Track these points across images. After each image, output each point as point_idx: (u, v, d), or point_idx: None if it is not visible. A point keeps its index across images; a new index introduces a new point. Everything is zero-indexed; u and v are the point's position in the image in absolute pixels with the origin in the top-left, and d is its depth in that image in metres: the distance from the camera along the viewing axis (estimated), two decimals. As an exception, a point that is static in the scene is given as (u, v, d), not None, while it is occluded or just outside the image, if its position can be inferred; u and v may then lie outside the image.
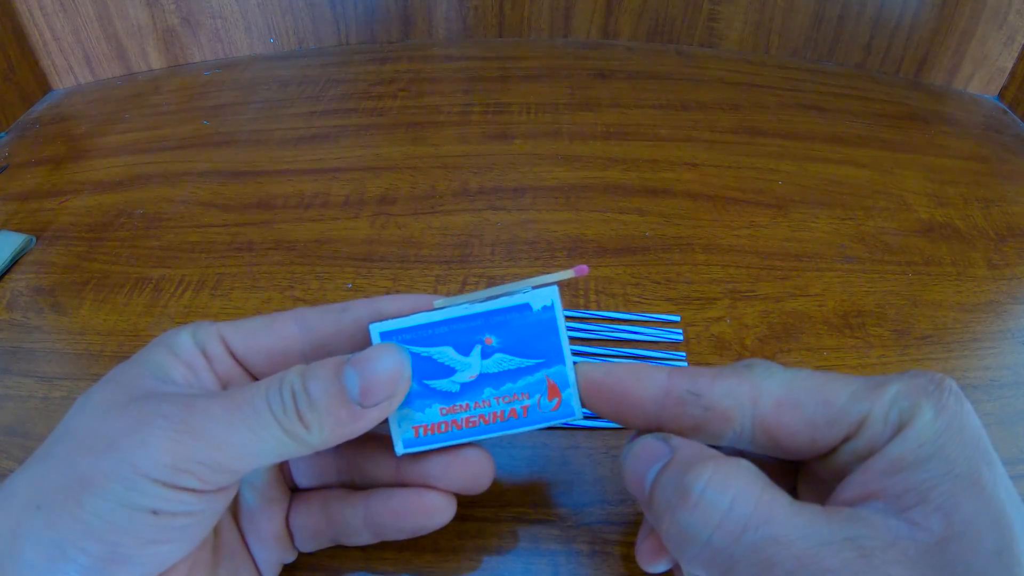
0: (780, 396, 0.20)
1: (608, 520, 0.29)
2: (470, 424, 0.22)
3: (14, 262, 0.43)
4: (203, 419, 0.19)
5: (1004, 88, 0.62)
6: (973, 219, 0.46)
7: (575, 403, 0.23)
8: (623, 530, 0.28)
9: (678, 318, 0.38)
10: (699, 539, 0.18)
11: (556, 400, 0.23)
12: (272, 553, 0.24)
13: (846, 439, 0.19)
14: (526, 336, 0.22)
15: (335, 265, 0.42)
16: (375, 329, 0.22)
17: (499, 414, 0.22)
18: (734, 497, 0.17)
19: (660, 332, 0.37)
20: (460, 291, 0.40)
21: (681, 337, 0.37)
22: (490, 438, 0.23)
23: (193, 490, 0.19)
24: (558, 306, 0.22)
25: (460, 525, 0.28)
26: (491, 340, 0.22)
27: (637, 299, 0.39)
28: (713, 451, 0.19)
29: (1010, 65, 0.61)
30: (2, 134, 0.58)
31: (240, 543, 0.24)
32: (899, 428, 0.18)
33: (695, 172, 0.50)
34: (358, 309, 0.23)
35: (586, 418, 0.30)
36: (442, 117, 0.57)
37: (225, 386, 0.23)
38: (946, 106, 0.61)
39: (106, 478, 0.18)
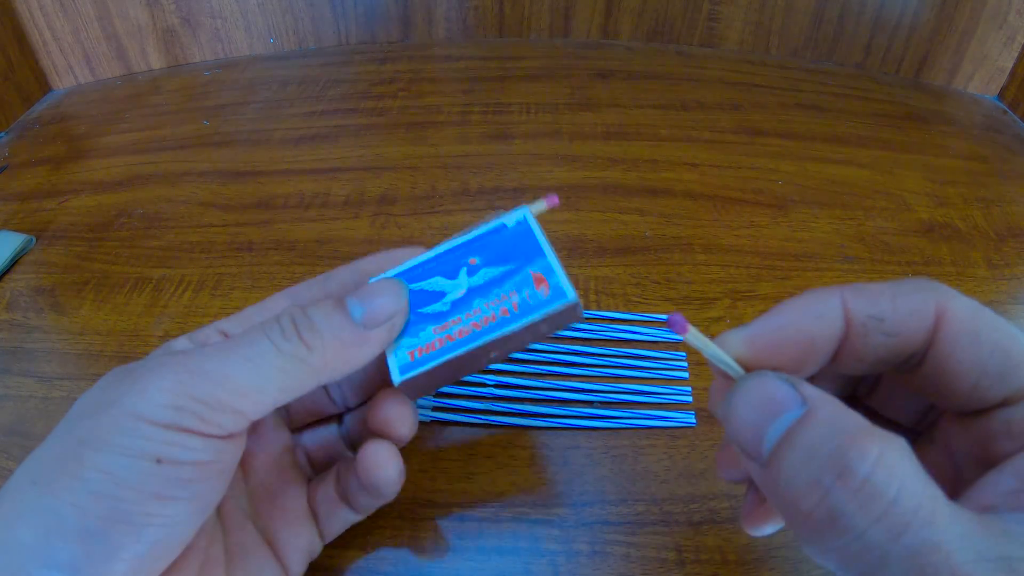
0: (963, 324, 0.16)
1: (608, 520, 0.29)
2: (463, 334, 0.22)
3: (14, 262, 0.43)
4: (201, 359, 0.19)
5: (1004, 88, 0.62)
6: (973, 219, 0.46)
7: (565, 285, 0.22)
8: (623, 530, 0.28)
9: (678, 318, 0.38)
10: (853, 530, 0.14)
11: (544, 287, 0.22)
12: (300, 539, 0.24)
13: (1004, 402, 0.16)
14: (507, 248, 0.23)
15: (335, 265, 0.42)
16: (372, 280, 0.23)
17: (491, 316, 0.22)
18: (901, 486, 0.14)
19: (660, 332, 0.37)
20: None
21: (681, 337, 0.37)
22: (489, 341, 0.22)
23: (196, 432, 0.18)
24: (531, 217, 0.23)
25: (460, 525, 0.28)
26: (475, 260, 0.23)
27: (637, 299, 0.39)
28: (861, 417, 0.15)
29: (1010, 65, 0.61)
30: (2, 134, 0.58)
31: (259, 540, 0.23)
32: None
33: (695, 172, 0.50)
34: (341, 274, 0.24)
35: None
36: (442, 117, 0.57)
37: None
38: (946, 106, 0.61)
39: (106, 431, 0.17)
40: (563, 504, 0.29)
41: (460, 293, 0.23)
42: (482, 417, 0.33)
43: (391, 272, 0.24)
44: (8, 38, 0.58)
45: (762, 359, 0.18)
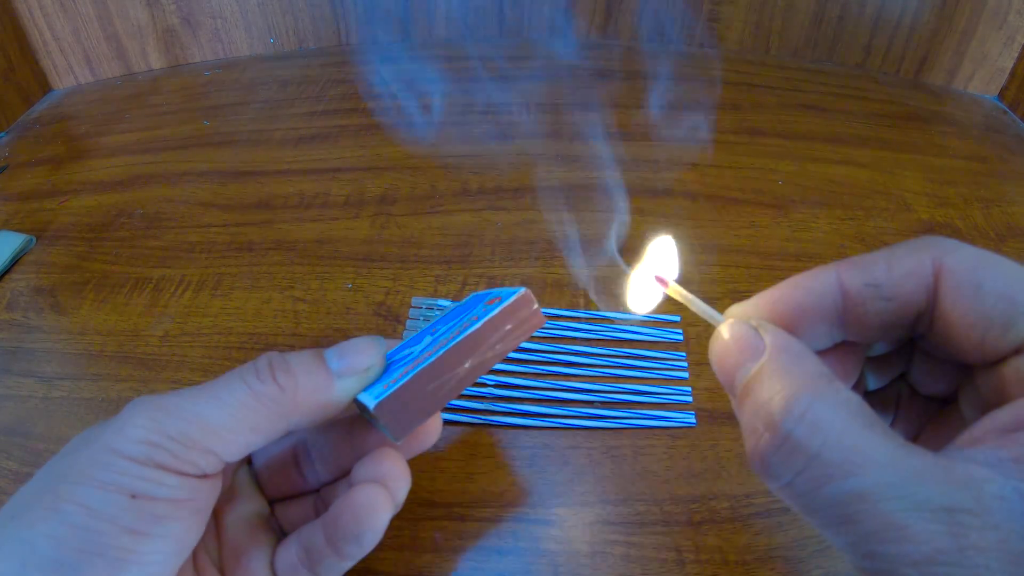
0: (962, 276, 0.16)
1: (608, 520, 0.29)
2: (430, 354, 0.22)
3: (14, 262, 0.43)
4: (176, 398, 0.19)
5: (1004, 88, 0.62)
6: (973, 219, 0.46)
7: (513, 288, 0.23)
8: (623, 530, 0.28)
9: (678, 318, 0.38)
10: (780, 478, 0.15)
11: (496, 300, 0.23)
12: None
13: (1016, 351, 0.16)
14: (462, 309, 0.25)
15: (335, 265, 0.42)
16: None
17: (454, 334, 0.23)
18: (824, 441, 0.15)
19: (660, 332, 0.37)
20: (461, 292, 0.40)
21: (681, 337, 0.37)
22: (455, 345, 0.22)
23: (170, 469, 0.19)
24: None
25: (460, 525, 0.28)
26: (436, 329, 0.25)
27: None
28: (814, 367, 0.16)
29: (1010, 65, 0.61)
30: (2, 134, 0.58)
31: None
32: None
33: (695, 172, 0.50)
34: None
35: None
36: (442, 117, 0.57)
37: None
38: (946, 106, 0.61)
39: (83, 466, 0.18)
40: (563, 504, 0.29)
41: (424, 344, 0.24)
42: (482, 417, 0.33)
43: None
44: (8, 38, 0.58)
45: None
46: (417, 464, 0.31)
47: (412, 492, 0.29)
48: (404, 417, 0.21)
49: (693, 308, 0.20)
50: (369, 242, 0.44)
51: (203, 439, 0.19)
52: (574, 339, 0.37)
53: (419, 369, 0.21)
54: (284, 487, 0.26)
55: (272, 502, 0.26)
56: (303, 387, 0.20)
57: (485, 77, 0.64)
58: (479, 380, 0.33)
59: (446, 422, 0.33)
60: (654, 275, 0.20)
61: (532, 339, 0.36)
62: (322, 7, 0.68)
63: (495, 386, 0.34)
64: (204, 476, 0.20)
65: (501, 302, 0.23)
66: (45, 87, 0.64)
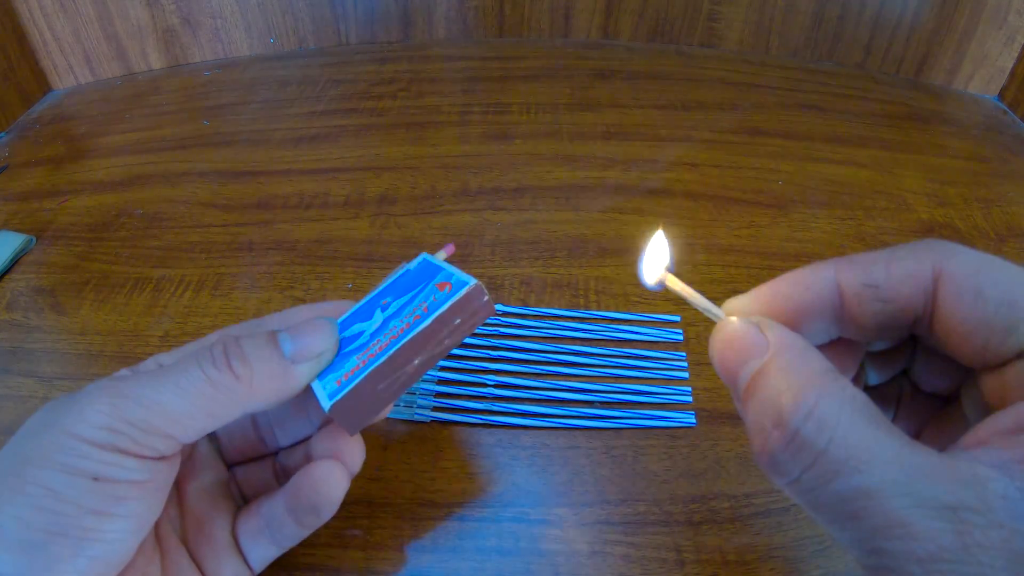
0: (963, 282, 0.16)
1: (608, 520, 0.29)
2: (381, 348, 0.23)
3: (14, 262, 0.43)
4: (135, 385, 0.20)
5: (1004, 88, 0.62)
6: (973, 219, 0.46)
7: (464, 277, 0.23)
8: (623, 530, 0.28)
9: (678, 318, 0.38)
10: (788, 475, 0.15)
11: (448, 288, 0.23)
12: (226, 568, 0.24)
13: (1019, 356, 0.16)
14: (412, 281, 0.25)
15: (335, 265, 0.42)
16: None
17: (404, 327, 0.23)
18: (831, 438, 0.15)
19: (660, 332, 0.37)
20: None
21: (681, 337, 0.37)
22: (404, 344, 0.22)
23: (131, 453, 0.19)
24: (430, 256, 0.25)
25: (460, 525, 0.28)
26: (386, 300, 0.24)
27: (637, 299, 0.39)
28: (819, 364, 0.16)
29: (1010, 65, 0.61)
30: (2, 134, 0.58)
31: (191, 565, 0.24)
32: None
33: (695, 172, 0.50)
34: (273, 322, 0.25)
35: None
36: (442, 117, 0.57)
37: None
38: (946, 106, 0.61)
39: (47, 450, 0.18)
40: (563, 504, 0.29)
41: (376, 325, 0.24)
42: (482, 417, 0.33)
43: None
44: (8, 38, 0.58)
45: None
46: (417, 464, 0.31)
47: (412, 492, 0.30)
48: (357, 416, 0.23)
49: (690, 302, 0.20)
50: (369, 242, 0.44)
51: (162, 425, 0.20)
52: (574, 339, 0.37)
53: (369, 370, 0.22)
54: (244, 452, 0.26)
55: (231, 466, 0.26)
56: (259, 375, 0.21)
57: (485, 77, 0.64)
58: (479, 380, 0.34)
59: (446, 422, 0.33)
60: (651, 269, 0.20)
61: (532, 339, 0.36)
62: (322, 7, 0.68)
63: (495, 386, 0.34)
64: (163, 458, 0.20)
65: (451, 293, 0.23)
66: (45, 87, 0.64)
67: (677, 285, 0.20)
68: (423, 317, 0.22)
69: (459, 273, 0.24)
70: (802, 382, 0.16)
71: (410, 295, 0.24)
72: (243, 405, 0.21)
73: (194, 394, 0.20)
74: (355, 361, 0.23)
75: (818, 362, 0.16)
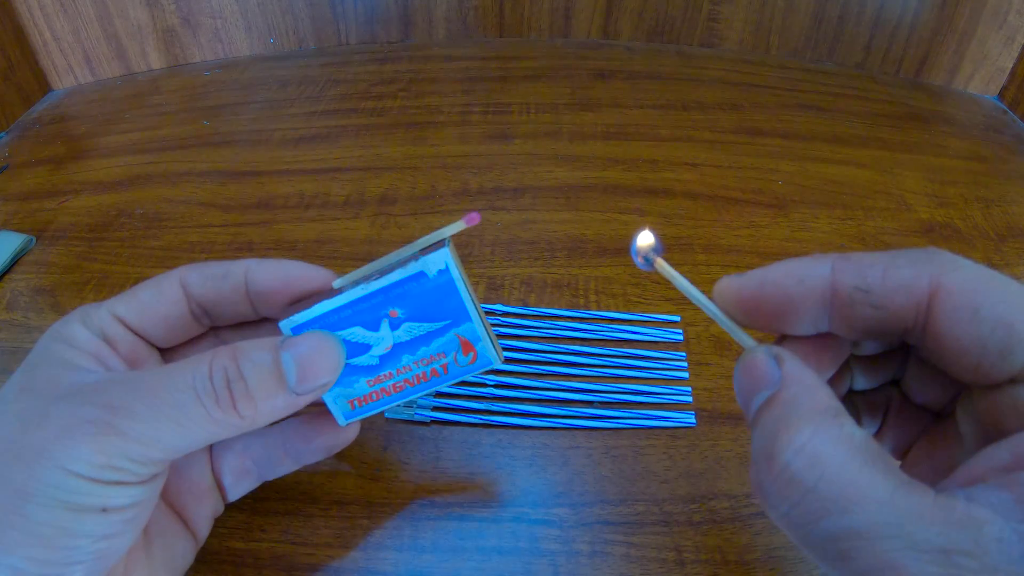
0: (960, 298, 0.16)
1: (608, 520, 0.29)
2: (397, 389, 0.24)
3: (14, 262, 0.43)
4: (129, 421, 0.19)
5: (1004, 88, 0.62)
6: (973, 219, 0.46)
7: (491, 354, 0.24)
8: (623, 530, 0.28)
9: (678, 318, 0.38)
10: (776, 509, 0.15)
11: (472, 355, 0.24)
12: (205, 507, 0.25)
13: (1013, 380, 0.16)
14: (428, 301, 0.23)
15: (335, 265, 0.42)
16: (286, 326, 0.23)
17: (422, 375, 0.24)
18: (822, 475, 0.15)
19: (660, 332, 0.37)
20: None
21: (681, 337, 0.37)
22: (420, 394, 0.25)
23: (132, 483, 0.19)
24: (453, 267, 0.22)
25: (460, 525, 0.28)
26: (396, 312, 0.23)
27: (637, 299, 0.39)
28: (824, 402, 0.16)
29: (1010, 65, 0.61)
30: (2, 134, 0.58)
31: (168, 514, 0.24)
32: None
33: (695, 172, 0.50)
34: (236, 276, 0.24)
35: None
36: (442, 117, 0.57)
37: (133, 364, 0.24)
38: (946, 106, 0.61)
39: (45, 486, 0.18)
40: (563, 504, 0.29)
41: (386, 348, 0.23)
42: (482, 417, 0.33)
43: (308, 316, 0.23)
44: (8, 38, 0.58)
45: (748, 308, 0.19)
46: (417, 464, 0.31)
47: (412, 492, 0.30)
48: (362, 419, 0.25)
49: (679, 287, 0.20)
50: (369, 242, 0.44)
51: (162, 457, 0.20)
52: (574, 339, 0.37)
53: (386, 407, 0.24)
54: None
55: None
56: (263, 413, 0.21)
57: (485, 77, 0.64)
58: (479, 380, 0.34)
59: (446, 422, 0.33)
60: (643, 247, 0.21)
61: (532, 339, 0.36)
62: (322, 7, 0.68)
63: (495, 386, 0.34)
64: (162, 473, 0.21)
65: (474, 366, 0.24)
66: (45, 87, 0.64)
67: (666, 270, 0.20)
68: (442, 377, 0.24)
69: (484, 335, 0.23)
70: (801, 417, 0.16)
71: (427, 329, 0.23)
72: (241, 431, 0.21)
73: (196, 431, 0.20)
74: (366, 387, 0.24)
75: (824, 400, 0.16)
